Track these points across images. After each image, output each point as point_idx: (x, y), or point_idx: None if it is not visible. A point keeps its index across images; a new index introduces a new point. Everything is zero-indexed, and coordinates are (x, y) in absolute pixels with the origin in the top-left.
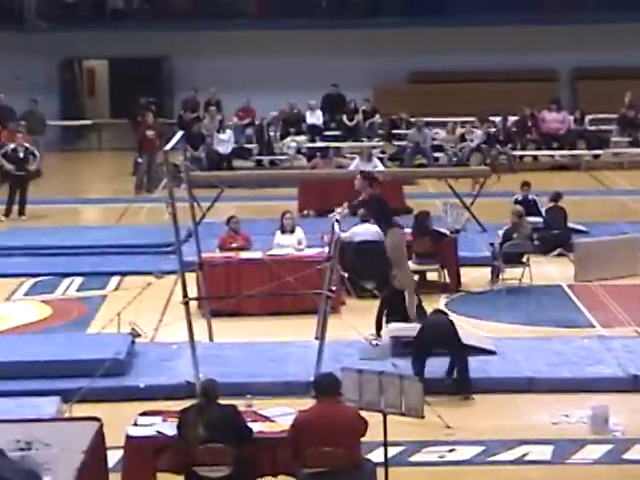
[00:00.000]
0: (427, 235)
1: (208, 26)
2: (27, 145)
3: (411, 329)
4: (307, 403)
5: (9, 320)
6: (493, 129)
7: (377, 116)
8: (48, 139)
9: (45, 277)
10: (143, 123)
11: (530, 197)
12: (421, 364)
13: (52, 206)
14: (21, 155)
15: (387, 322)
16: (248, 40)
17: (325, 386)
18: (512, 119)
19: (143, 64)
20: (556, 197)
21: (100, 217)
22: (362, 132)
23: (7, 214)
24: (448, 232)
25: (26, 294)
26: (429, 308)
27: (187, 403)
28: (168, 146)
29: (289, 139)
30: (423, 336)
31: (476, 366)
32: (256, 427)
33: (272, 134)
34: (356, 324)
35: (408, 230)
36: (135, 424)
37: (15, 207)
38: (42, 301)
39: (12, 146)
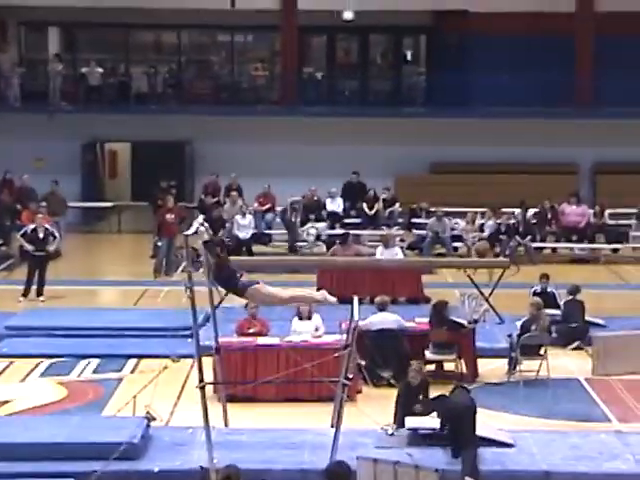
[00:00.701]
0: (444, 325)
1: (230, 111)
2: (47, 226)
3: (430, 421)
4: None
5: (25, 401)
6: (512, 220)
7: (397, 205)
8: (68, 220)
9: (62, 358)
10: (163, 206)
11: (549, 289)
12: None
13: (71, 287)
14: (41, 236)
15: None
16: (270, 126)
17: (336, 476)
18: (532, 211)
19: (165, 147)
20: (574, 290)
21: (118, 299)
22: (382, 220)
23: (25, 294)
24: (466, 323)
25: (42, 375)
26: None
27: None
28: (189, 231)
29: (309, 225)
30: (447, 419)
31: (492, 458)
32: None
33: (293, 220)
34: (372, 413)
35: (425, 319)
36: None
37: (33, 288)
38: (58, 382)
39: (32, 226)
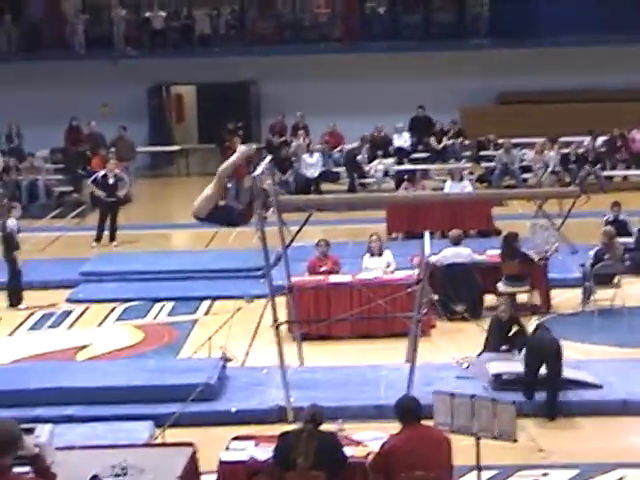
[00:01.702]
0: (516, 257)
1: (294, 50)
2: (117, 171)
3: (512, 365)
4: (398, 427)
5: (102, 345)
6: (582, 149)
7: (460, 138)
8: (137, 165)
9: (136, 302)
10: (231, 148)
11: (621, 217)
12: (532, 388)
13: (142, 231)
14: (111, 181)
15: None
16: (334, 64)
17: (404, 410)
18: (601, 139)
19: (230, 89)
20: None
21: (190, 242)
22: (450, 154)
23: (98, 240)
24: (536, 257)
25: (118, 319)
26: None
27: (279, 427)
28: (257, 171)
29: (376, 162)
30: (530, 359)
31: (569, 389)
32: (348, 452)
33: (360, 157)
34: (447, 347)
35: (496, 252)
36: (227, 449)
37: (106, 233)
38: (134, 326)
39: (102, 173)
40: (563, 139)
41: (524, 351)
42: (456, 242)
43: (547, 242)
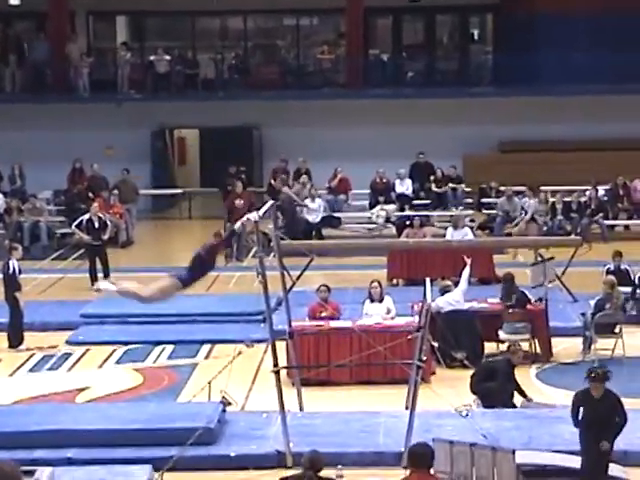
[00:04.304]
0: (514, 293)
1: (297, 95)
2: (100, 215)
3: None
4: (398, 474)
5: (102, 388)
6: (584, 198)
7: (462, 185)
8: (140, 207)
9: (136, 345)
10: (232, 192)
11: (622, 267)
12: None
13: (143, 274)
14: (96, 225)
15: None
16: (336, 109)
17: (420, 456)
18: (603, 188)
19: (233, 133)
20: None
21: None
22: (451, 201)
23: (93, 283)
24: (533, 298)
25: (118, 362)
26: (520, 378)
27: (278, 473)
28: (259, 215)
29: (378, 208)
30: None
31: (569, 439)
32: None
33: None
34: (446, 394)
35: (496, 300)
36: None
37: (100, 276)
38: (134, 369)
39: (87, 217)
40: (565, 188)
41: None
42: (444, 292)
43: (544, 275)
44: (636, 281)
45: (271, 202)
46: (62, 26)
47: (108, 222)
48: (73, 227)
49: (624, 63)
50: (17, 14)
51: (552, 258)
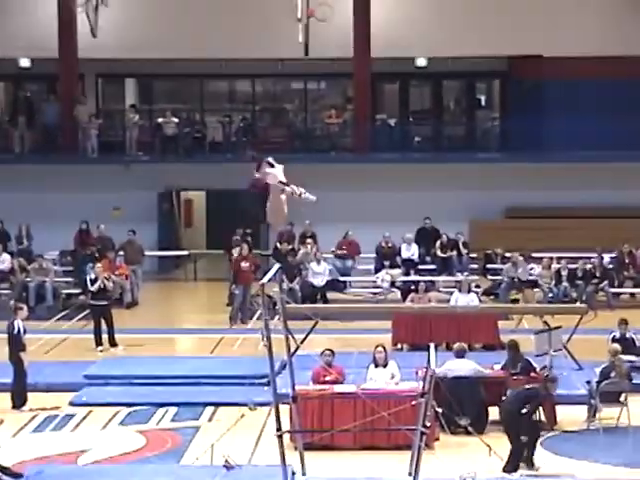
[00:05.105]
0: (519, 361)
1: (304, 159)
2: (106, 275)
3: None
4: None
5: (104, 450)
6: (589, 265)
7: (465, 250)
8: (145, 269)
9: (140, 407)
10: (239, 254)
11: (628, 335)
12: None
13: (148, 335)
14: (101, 286)
15: None
16: (343, 173)
17: None
18: (609, 255)
19: (240, 196)
20: None
21: (195, 347)
22: (455, 266)
23: (97, 344)
24: (538, 366)
25: (121, 423)
26: None
27: None
28: (265, 279)
29: (384, 272)
30: None
31: None
32: None
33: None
34: (450, 461)
35: (498, 366)
36: None
37: (105, 337)
38: (137, 431)
39: (93, 276)
40: (571, 255)
41: None
42: (460, 355)
43: (549, 343)
44: None
45: (277, 265)
46: (72, 88)
47: (99, 280)
48: (89, 287)
49: (631, 129)
50: (27, 76)
51: (560, 327)
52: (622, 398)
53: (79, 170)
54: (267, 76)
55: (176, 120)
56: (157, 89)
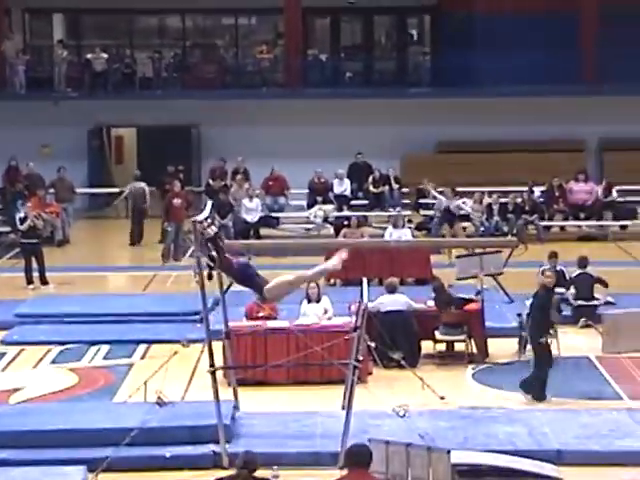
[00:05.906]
0: (452, 303)
1: (236, 94)
2: (35, 213)
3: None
4: (334, 474)
5: (36, 388)
6: (519, 199)
7: (396, 185)
8: (76, 206)
9: (72, 345)
10: (170, 191)
11: (558, 267)
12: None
13: (79, 273)
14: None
15: None
16: (276, 109)
17: (358, 456)
18: (539, 189)
19: (171, 132)
20: (583, 263)
21: (127, 285)
22: (388, 201)
23: (29, 283)
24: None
25: (53, 362)
26: (455, 378)
27: (213, 473)
28: (199, 216)
29: (316, 208)
30: None
31: (504, 439)
32: None
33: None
34: (383, 394)
35: (431, 302)
36: None
37: (36, 275)
38: (69, 369)
39: (22, 215)
40: (501, 189)
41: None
42: (391, 290)
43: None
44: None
45: (210, 202)
46: None
47: (27, 217)
48: (19, 226)
49: (562, 63)
50: None
51: (484, 253)
52: (552, 330)
53: (7, 106)
54: (197, 11)
55: (105, 56)
56: (86, 24)
